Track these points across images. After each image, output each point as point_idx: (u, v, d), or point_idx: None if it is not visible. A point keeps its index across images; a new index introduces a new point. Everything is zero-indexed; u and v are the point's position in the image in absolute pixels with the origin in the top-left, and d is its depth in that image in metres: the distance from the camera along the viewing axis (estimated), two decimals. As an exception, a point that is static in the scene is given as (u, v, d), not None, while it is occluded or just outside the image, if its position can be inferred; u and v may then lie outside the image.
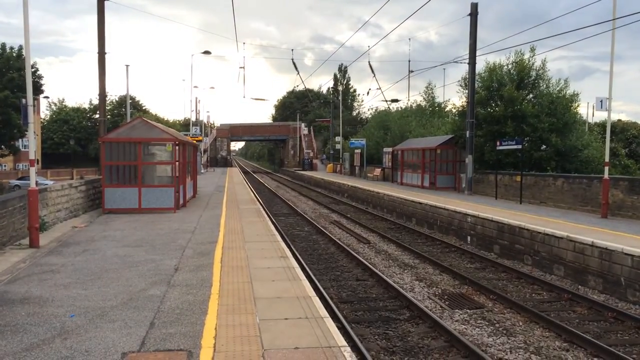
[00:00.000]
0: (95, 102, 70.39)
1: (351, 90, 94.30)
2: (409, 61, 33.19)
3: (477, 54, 23.96)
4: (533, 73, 24.92)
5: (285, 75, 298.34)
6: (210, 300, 7.09)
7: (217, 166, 72.10)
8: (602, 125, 34.19)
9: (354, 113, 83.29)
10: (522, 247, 14.04)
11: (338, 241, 16.50)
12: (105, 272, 8.65)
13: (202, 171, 48.64)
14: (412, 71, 30.96)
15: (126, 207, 16.36)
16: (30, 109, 11.32)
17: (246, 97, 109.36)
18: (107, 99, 21.55)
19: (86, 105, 79.86)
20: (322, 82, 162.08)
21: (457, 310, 9.74)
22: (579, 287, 11.54)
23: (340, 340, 5.72)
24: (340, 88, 78.26)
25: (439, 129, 36.29)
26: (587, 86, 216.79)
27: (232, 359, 5.15)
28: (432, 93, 47.24)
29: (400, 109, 48.59)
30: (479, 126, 24.73)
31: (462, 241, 17.17)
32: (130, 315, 6.42)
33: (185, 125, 73.12)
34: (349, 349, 5.56)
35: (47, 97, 71.06)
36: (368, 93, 67.58)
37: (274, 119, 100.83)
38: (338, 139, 55.65)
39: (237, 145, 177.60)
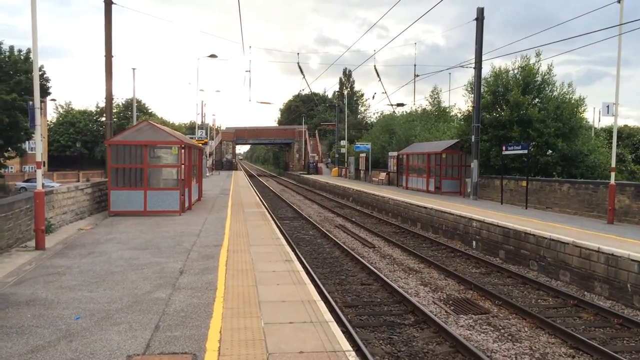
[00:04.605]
0: (102, 105, 70.71)
1: (358, 94, 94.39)
2: (415, 65, 33.20)
3: (483, 58, 23.92)
4: (539, 78, 24.88)
5: (290, 77, 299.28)
6: (215, 303, 7.10)
7: (222, 169, 72.17)
8: (608, 131, 34.02)
9: (359, 117, 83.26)
10: (527, 253, 13.98)
11: (343, 245, 16.48)
12: (111, 274, 8.68)
13: (208, 174, 48.73)
14: (417, 75, 30.92)
15: (132, 209, 16.41)
16: (38, 112, 11.38)
17: (252, 101, 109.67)
18: (113, 102, 21.63)
19: (93, 108, 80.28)
20: (328, 85, 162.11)
21: (462, 316, 9.71)
22: (585, 293, 11.47)
23: (345, 345, 5.71)
24: (345, 92, 78.33)
25: (445, 134, 36.24)
26: (597, 91, 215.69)
27: (236, 363, 5.14)
28: (438, 97, 47.22)
29: (405, 113, 48.56)
30: (485, 131, 24.68)
31: (468, 246, 17.12)
32: (135, 318, 6.44)
33: (190, 128, 73.31)
34: (353, 353, 5.55)
35: (54, 100, 71.56)
36: (374, 97, 67.92)
37: (280, 122, 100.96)
38: (343, 142, 55.61)
39: (242, 149, 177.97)
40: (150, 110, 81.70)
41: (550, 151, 23.75)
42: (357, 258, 14.42)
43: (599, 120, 52.70)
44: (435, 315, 9.55)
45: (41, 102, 11.60)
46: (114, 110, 64.41)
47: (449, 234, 18.79)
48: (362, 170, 45.54)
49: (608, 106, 16.59)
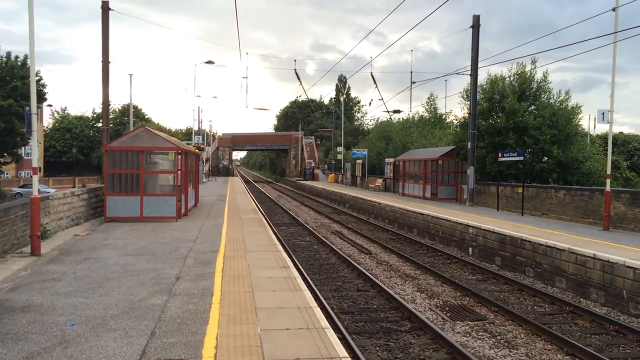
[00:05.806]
0: (98, 110, 70.62)
1: (354, 100, 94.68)
2: (411, 72, 33.21)
3: (480, 65, 24.03)
4: (535, 85, 25.02)
5: (287, 84, 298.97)
6: (211, 309, 7.08)
7: (219, 175, 72.16)
8: (603, 138, 34.21)
9: (356, 123, 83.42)
10: (523, 259, 14.00)
11: (339, 251, 16.47)
12: (107, 280, 8.65)
13: (204, 180, 48.67)
14: (414, 82, 30.91)
15: (128, 215, 16.37)
16: (34, 117, 11.36)
17: (249, 107, 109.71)
18: (110, 107, 21.64)
19: (89, 114, 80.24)
20: (324, 92, 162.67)
21: (458, 322, 9.71)
22: (581, 299, 11.50)
23: (342, 351, 5.70)
24: (341, 98, 78.58)
25: (441, 140, 36.35)
26: (593, 98, 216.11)
27: (232, 369, 5.13)
28: (434, 104, 47.37)
29: (402, 119, 48.70)
30: (481, 137, 24.77)
31: (464, 252, 17.14)
32: (131, 324, 6.41)
33: (187, 134, 73.32)
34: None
35: (50, 106, 71.43)
36: (370, 104, 67.87)
37: (276, 128, 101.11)
38: (340, 149, 55.70)
39: (239, 155, 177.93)
40: (147, 116, 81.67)
41: (546, 158, 23.85)
42: (353, 264, 14.42)
43: (595, 127, 52.94)
44: (432, 321, 9.55)
45: (37, 107, 11.58)
46: (111, 116, 64.31)
47: (445, 241, 18.80)
48: (359, 176, 45.58)
49: (603, 113, 16.69)
